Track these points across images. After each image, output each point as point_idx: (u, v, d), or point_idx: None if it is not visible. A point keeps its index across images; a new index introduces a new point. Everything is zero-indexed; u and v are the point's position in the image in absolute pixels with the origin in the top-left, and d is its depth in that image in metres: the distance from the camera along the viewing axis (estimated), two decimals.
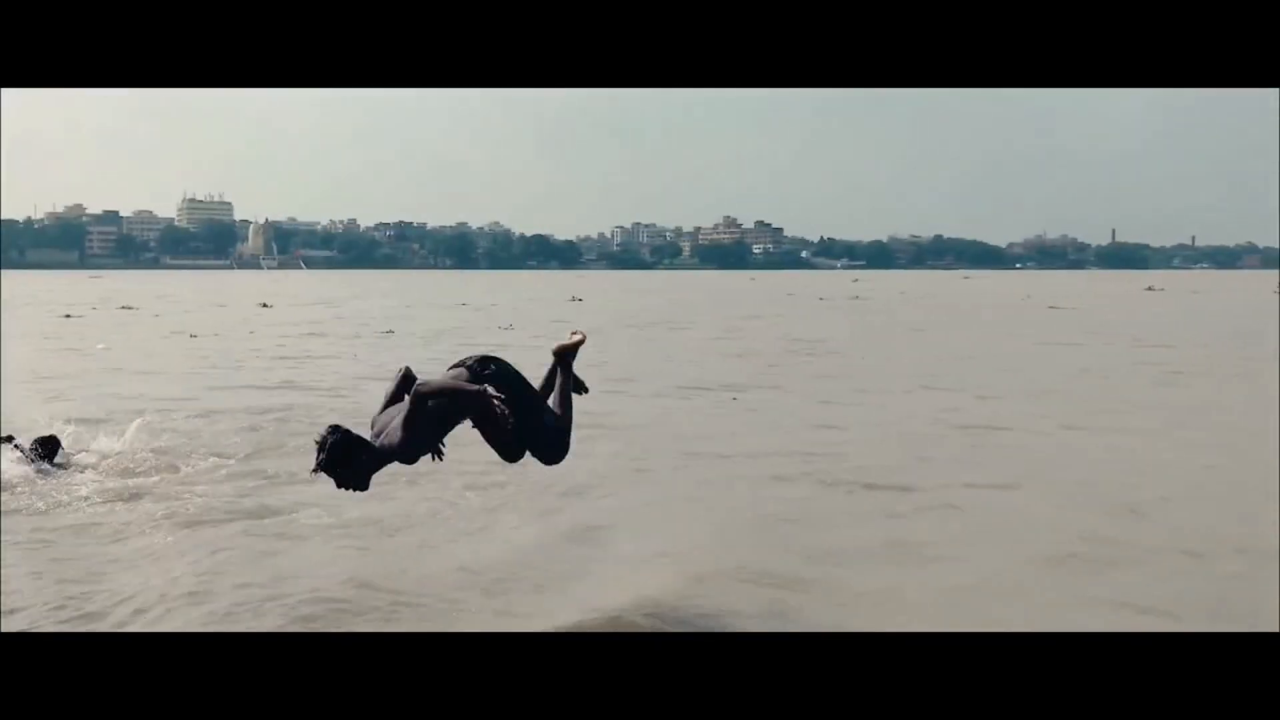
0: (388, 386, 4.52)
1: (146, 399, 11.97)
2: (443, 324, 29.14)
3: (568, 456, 4.58)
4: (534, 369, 4.67)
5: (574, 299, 47.30)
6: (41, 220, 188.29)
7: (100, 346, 21.03)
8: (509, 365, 4.45)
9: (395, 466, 4.33)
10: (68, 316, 32.37)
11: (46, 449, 7.87)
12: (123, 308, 38.25)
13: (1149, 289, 60.21)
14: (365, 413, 10.37)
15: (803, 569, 5.53)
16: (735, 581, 5.24)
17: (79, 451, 8.18)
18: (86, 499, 7.04)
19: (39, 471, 7.58)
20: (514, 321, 29.03)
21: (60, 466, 7.80)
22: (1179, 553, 5.83)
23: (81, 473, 7.71)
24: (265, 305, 40.98)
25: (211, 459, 8.36)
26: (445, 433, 4.44)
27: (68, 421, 8.99)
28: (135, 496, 7.16)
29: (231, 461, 8.34)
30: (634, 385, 13.92)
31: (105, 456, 8.14)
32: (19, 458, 7.71)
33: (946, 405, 11.75)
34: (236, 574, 5.43)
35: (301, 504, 6.89)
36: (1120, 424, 10.36)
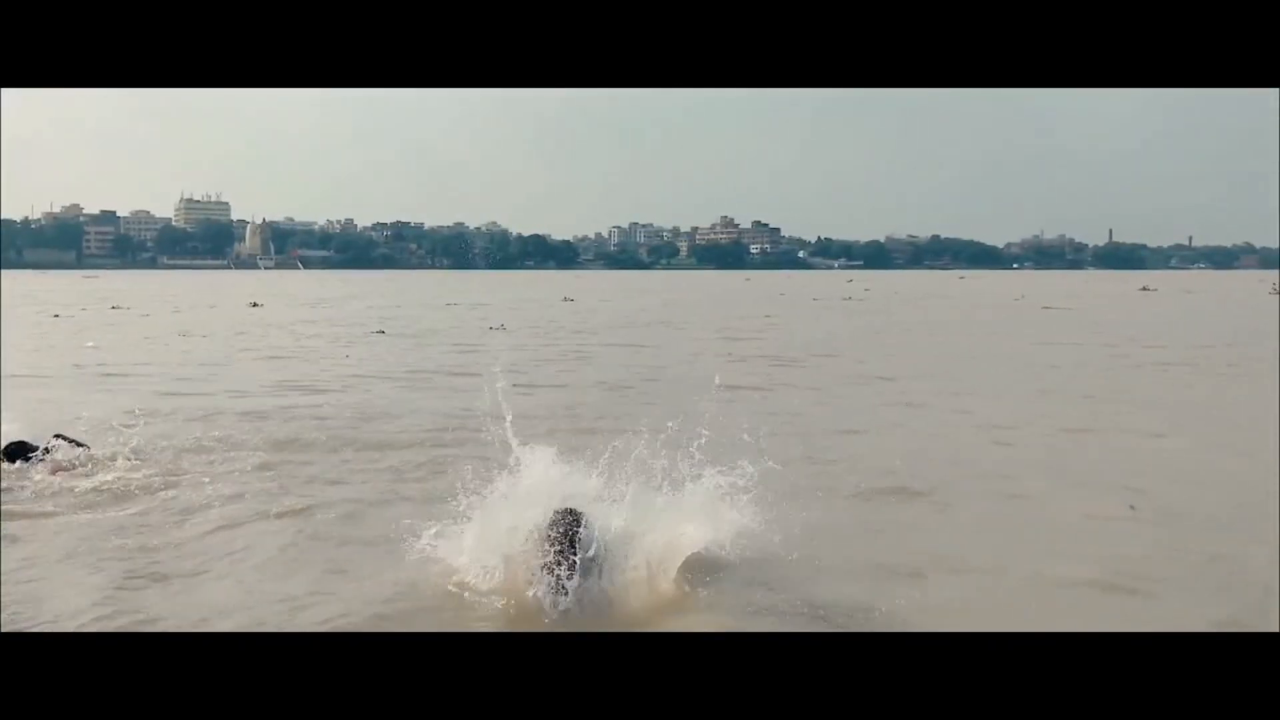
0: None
1: (139, 399, 11.93)
2: (436, 324, 29.13)
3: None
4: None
5: (566, 299, 47.28)
6: (39, 220, 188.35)
7: (90, 345, 21.03)
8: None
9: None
10: (56, 316, 32.33)
11: (16, 454, 7.80)
12: (113, 308, 38.19)
13: (1144, 289, 60.29)
14: (360, 414, 10.74)
15: (816, 575, 5.44)
16: (744, 586, 5.18)
17: (76, 448, 8.08)
18: (91, 503, 6.98)
19: (40, 473, 7.55)
20: (506, 322, 29.00)
21: (39, 462, 7.74)
22: (1212, 559, 5.74)
23: (80, 476, 7.62)
24: (256, 305, 40.93)
25: (214, 459, 8.33)
26: None
27: (68, 428, 8.93)
28: (146, 496, 7.13)
29: (235, 461, 8.30)
30: (628, 386, 13.90)
31: (116, 458, 8.04)
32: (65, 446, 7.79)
33: (951, 408, 11.74)
34: (270, 579, 5.42)
35: (317, 505, 6.89)
36: (1124, 425, 10.37)
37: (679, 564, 5.18)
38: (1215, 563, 5.69)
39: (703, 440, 5.64)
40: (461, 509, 5.38)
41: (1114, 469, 8.14)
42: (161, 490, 7.29)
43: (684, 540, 5.21)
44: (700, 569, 5.27)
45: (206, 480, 7.57)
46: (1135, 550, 5.93)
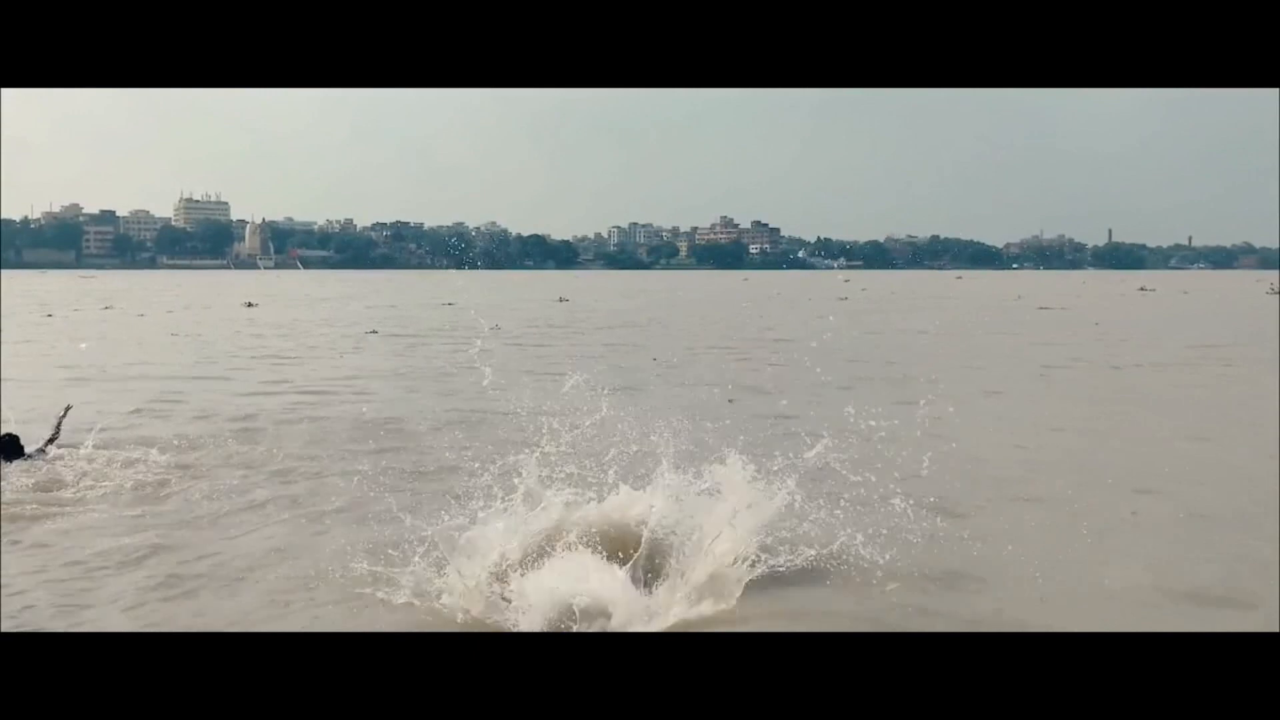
0: None
1: (132, 401, 11.90)
2: (433, 324, 29.12)
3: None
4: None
5: (561, 299, 47.22)
6: (38, 220, 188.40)
7: (82, 346, 20.97)
8: None
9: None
10: (50, 316, 32.29)
11: (5, 450, 7.75)
12: (106, 308, 38.14)
13: (1142, 289, 60.35)
14: (357, 414, 10.70)
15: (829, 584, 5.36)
16: (771, 593, 5.12)
17: (69, 449, 8.09)
18: (88, 504, 6.96)
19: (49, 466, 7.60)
20: (500, 322, 28.96)
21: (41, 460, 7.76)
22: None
23: (77, 478, 7.57)
24: (250, 305, 40.85)
25: (209, 461, 8.29)
26: None
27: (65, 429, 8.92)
28: (144, 499, 7.11)
29: (231, 462, 8.27)
30: (625, 387, 13.83)
31: (112, 461, 8.01)
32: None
33: (953, 409, 11.64)
34: (271, 580, 5.43)
35: (317, 506, 6.86)
36: (1145, 428, 10.38)
37: (709, 571, 5.11)
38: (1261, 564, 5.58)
39: (710, 442, 5.59)
40: (461, 509, 5.41)
41: (1129, 471, 8.07)
42: (159, 492, 7.26)
43: (711, 547, 5.13)
44: (729, 576, 5.19)
45: (204, 481, 7.55)
46: (1176, 554, 5.84)
